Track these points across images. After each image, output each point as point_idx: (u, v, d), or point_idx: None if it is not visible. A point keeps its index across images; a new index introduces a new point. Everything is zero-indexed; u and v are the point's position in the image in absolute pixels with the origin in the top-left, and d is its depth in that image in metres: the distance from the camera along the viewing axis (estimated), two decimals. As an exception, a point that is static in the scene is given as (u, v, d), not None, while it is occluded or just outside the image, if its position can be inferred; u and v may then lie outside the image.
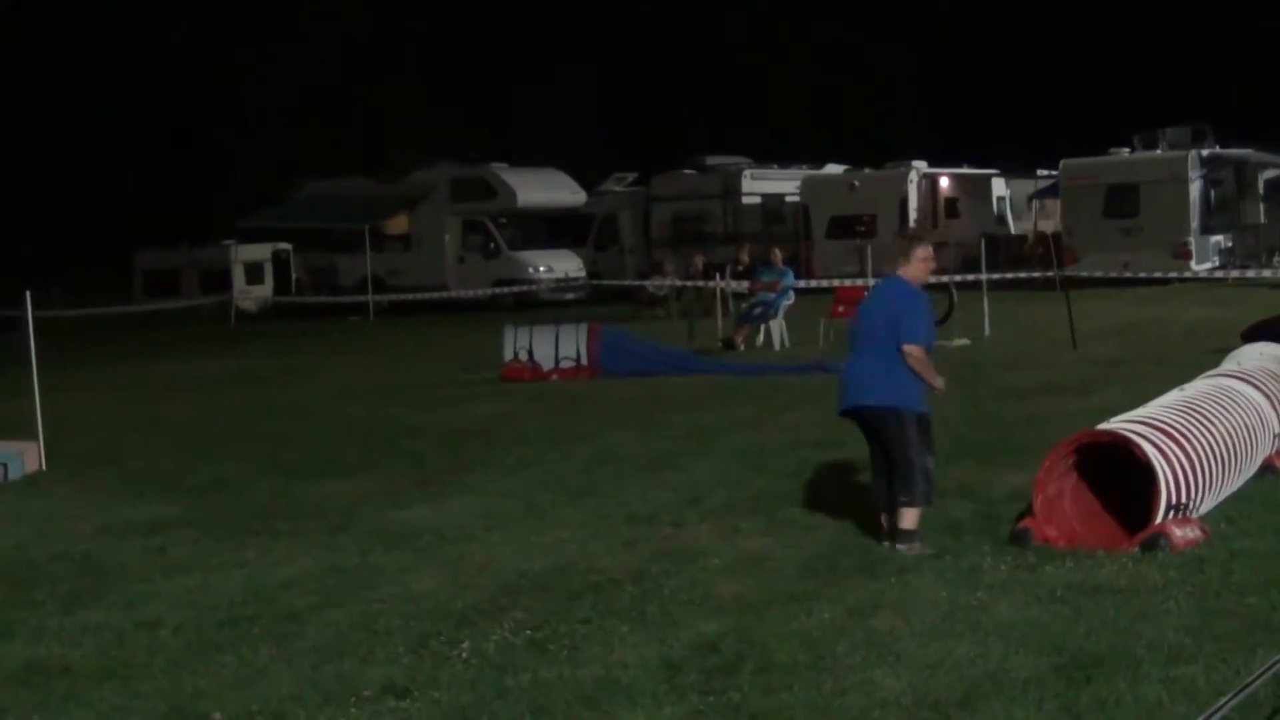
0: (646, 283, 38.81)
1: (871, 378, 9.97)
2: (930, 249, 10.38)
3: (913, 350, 9.87)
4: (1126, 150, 39.84)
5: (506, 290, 42.94)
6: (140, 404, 22.68)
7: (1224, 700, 5.40)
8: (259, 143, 68.59)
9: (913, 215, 43.23)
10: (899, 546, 9.67)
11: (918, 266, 10.24)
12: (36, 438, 16.21)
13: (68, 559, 11.25)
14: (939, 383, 10.07)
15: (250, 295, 48.92)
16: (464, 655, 8.03)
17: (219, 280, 48.67)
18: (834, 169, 46.98)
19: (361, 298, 43.69)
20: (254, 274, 50.02)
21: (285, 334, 38.08)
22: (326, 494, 13.44)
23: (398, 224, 46.86)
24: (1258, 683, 5.65)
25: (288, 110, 69.42)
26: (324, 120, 68.52)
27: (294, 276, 49.79)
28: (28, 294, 17.01)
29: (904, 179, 43.43)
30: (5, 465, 15.49)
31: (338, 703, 7.34)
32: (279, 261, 50.47)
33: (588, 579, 9.60)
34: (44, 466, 15.92)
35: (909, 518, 9.76)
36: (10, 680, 8.10)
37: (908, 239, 10.79)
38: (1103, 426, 10.17)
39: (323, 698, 7.44)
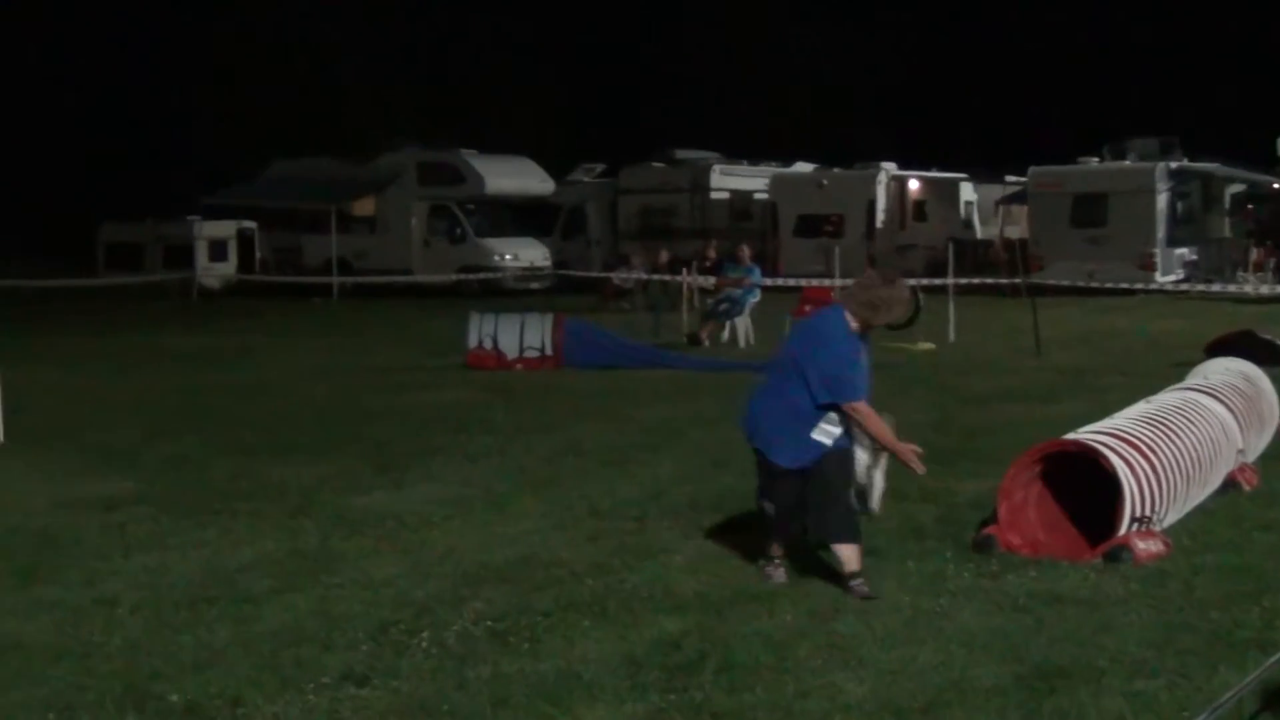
0: (612, 275, 38.79)
1: (778, 433, 9.07)
2: (893, 295, 8.92)
3: (859, 408, 8.92)
4: (1095, 160, 40.02)
5: (472, 277, 42.84)
6: (100, 378, 22.52)
7: None
8: (224, 118, 68.19)
9: (880, 216, 43.33)
10: (852, 585, 8.77)
11: (867, 311, 8.95)
12: (-8, 410, 16.09)
13: (24, 533, 11.14)
14: (917, 464, 9.06)
15: (213, 272, 48.66)
16: (424, 645, 7.97)
17: (182, 256, 48.36)
18: (803, 167, 47.08)
19: (326, 279, 43.52)
20: (218, 251, 49.74)
21: (248, 312, 37.90)
22: (287, 476, 13.35)
23: (364, 206, 46.71)
24: (1227, 704, 5.65)
25: (256, 85, 69.01)
26: (293, 97, 68.15)
27: (258, 255, 49.57)
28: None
29: (873, 180, 43.56)
30: (-40, 436, 15.36)
31: (296, 688, 7.28)
32: (243, 239, 50.24)
33: (549, 572, 9.55)
34: (1, 439, 15.79)
35: (851, 558, 8.92)
36: (-37, 655, 8.03)
37: (878, 275, 9.42)
38: (1069, 436, 10.18)
39: (281, 683, 7.37)
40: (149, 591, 9.32)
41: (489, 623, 8.37)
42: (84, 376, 22.73)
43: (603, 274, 40.10)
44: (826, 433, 8.97)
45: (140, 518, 11.61)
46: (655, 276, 33.98)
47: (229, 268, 49.45)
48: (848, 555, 8.91)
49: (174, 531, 11.09)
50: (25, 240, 49.85)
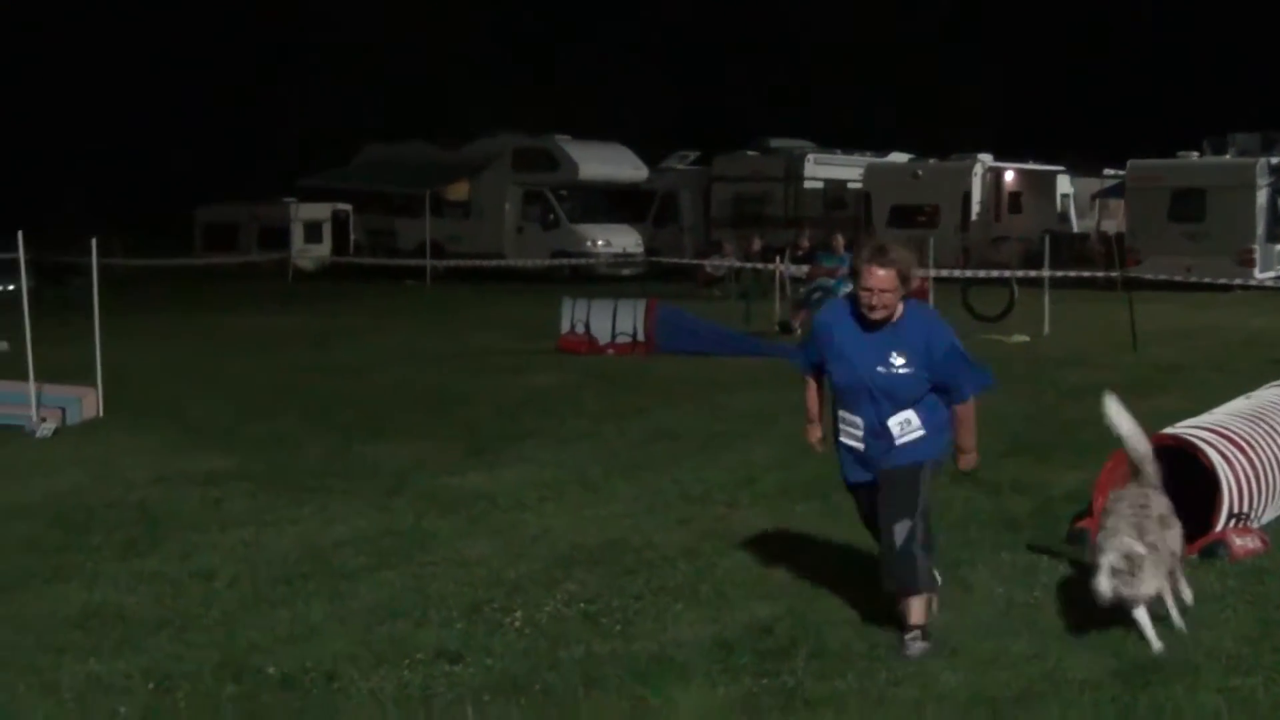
0: (705, 262, 38.76)
1: None
2: (876, 272, 7.55)
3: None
4: (1195, 154, 39.51)
5: (564, 262, 42.95)
6: (198, 356, 22.80)
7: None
8: (322, 102, 68.66)
9: (975, 208, 43.04)
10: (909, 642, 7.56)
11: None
12: (95, 384, 16.33)
13: (124, 506, 11.32)
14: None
15: (308, 254, 49.02)
16: (517, 624, 8.04)
17: (278, 237, 48.78)
18: (898, 157, 46.79)
19: (419, 262, 43.75)
20: (313, 233, 50.12)
21: (341, 294, 38.19)
22: (381, 455, 13.48)
23: (458, 191, 46.92)
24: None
25: (352, 70, 69.38)
26: (389, 82, 68.46)
27: (352, 238, 49.92)
28: (94, 241, 17.10)
29: (969, 171, 43.25)
30: (64, 410, 15.60)
31: (391, 663, 7.35)
32: (338, 222, 50.58)
33: (641, 555, 9.59)
34: (102, 413, 16.03)
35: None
36: (67, 624, 8.15)
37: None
38: (1167, 431, 10.08)
39: (376, 658, 7.45)
40: (245, 566, 9.44)
41: (581, 604, 8.42)
42: (182, 354, 23.01)
43: (695, 261, 40.08)
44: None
45: (237, 493, 11.77)
46: (747, 264, 33.94)
47: (323, 250, 49.79)
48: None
49: (270, 507, 11.23)
50: (125, 221, 50.32)
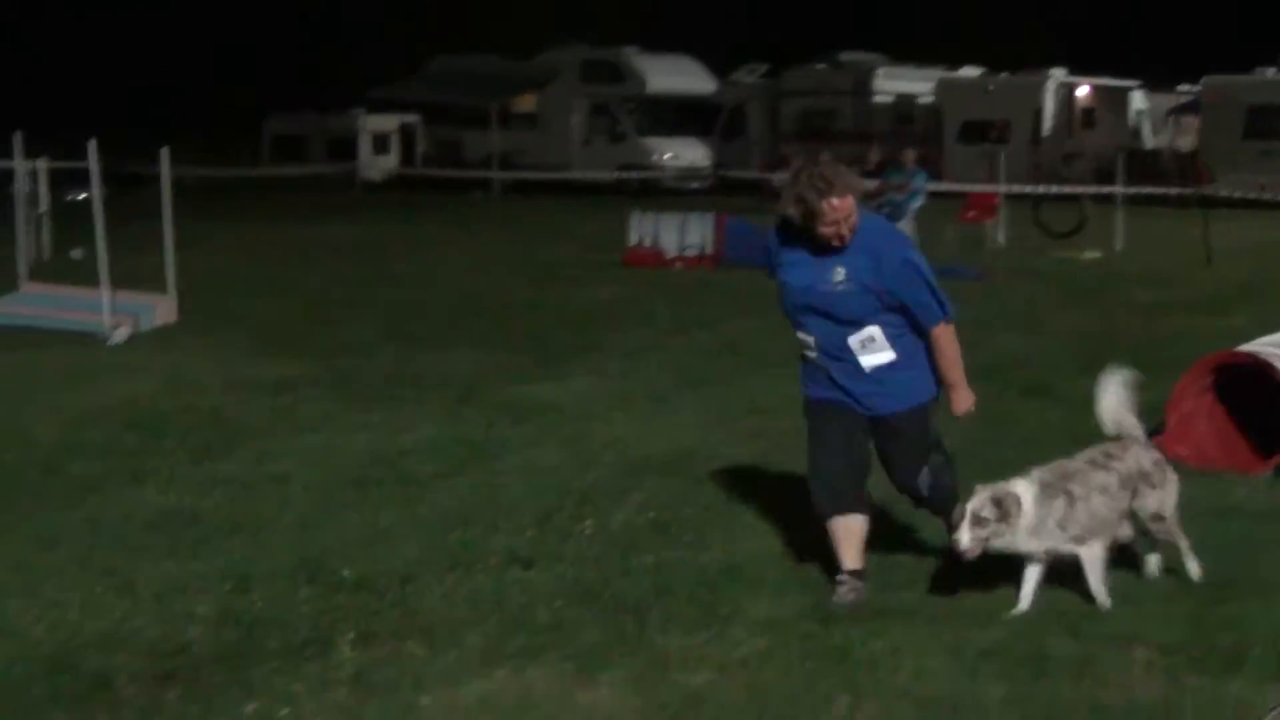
0: (772, 176, 38.55)
1: None
2: (834, 205, 6.86)
3: None
4: (1271, 70, 38.90)
5: (630, 175, 42.81)
6: (267, 265, 22.93)
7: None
8: (392, 13, 68.48)
9: (1047, 124, 42.58)
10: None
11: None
12: (169, 291, 16.47)
13: (197, 412, 11.43)
14: None
15: (376, 165, 49.08)
16: (587, 531, 8.09)
17: (345, 149, 48.85)
18: (970, 72, 46.26)
19: (486, 174, 43.73)
20: (380, 144, 50.18)
21: (408, 205, 38.25)
22: (450, 365, 13.55)
23: (525, 103, 46.81)
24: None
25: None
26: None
27: (420, 149, 49.93)
28: (165, 150, 17.18)
29: (1040, 86, 42.75)
30: (138, 316, 15.74)
31: (464, 568, 7.42)
32: (406, 133, 50.59)
33: (710, 466, 9.61)
34: (175, 320, 16.17)
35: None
36: (144, 526, 8.26)
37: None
38: (1242, 348, 10.00)
39: (449, 563, 7.51)
40: (318, 471, 9.53)
41: (651, 513, 8.45)
42: (252, 263, 23.14)
43: (761, 175, 39.88)
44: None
45: (308, 400, 11.87)
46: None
47: (391, 161, 49.85)
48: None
49: (341, 414, 11.32)
50: (194, 132, 50.47)
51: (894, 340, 7.11)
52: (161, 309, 16.30)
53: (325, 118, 50.70)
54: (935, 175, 35.91)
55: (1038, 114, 42.49)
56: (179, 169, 17.53)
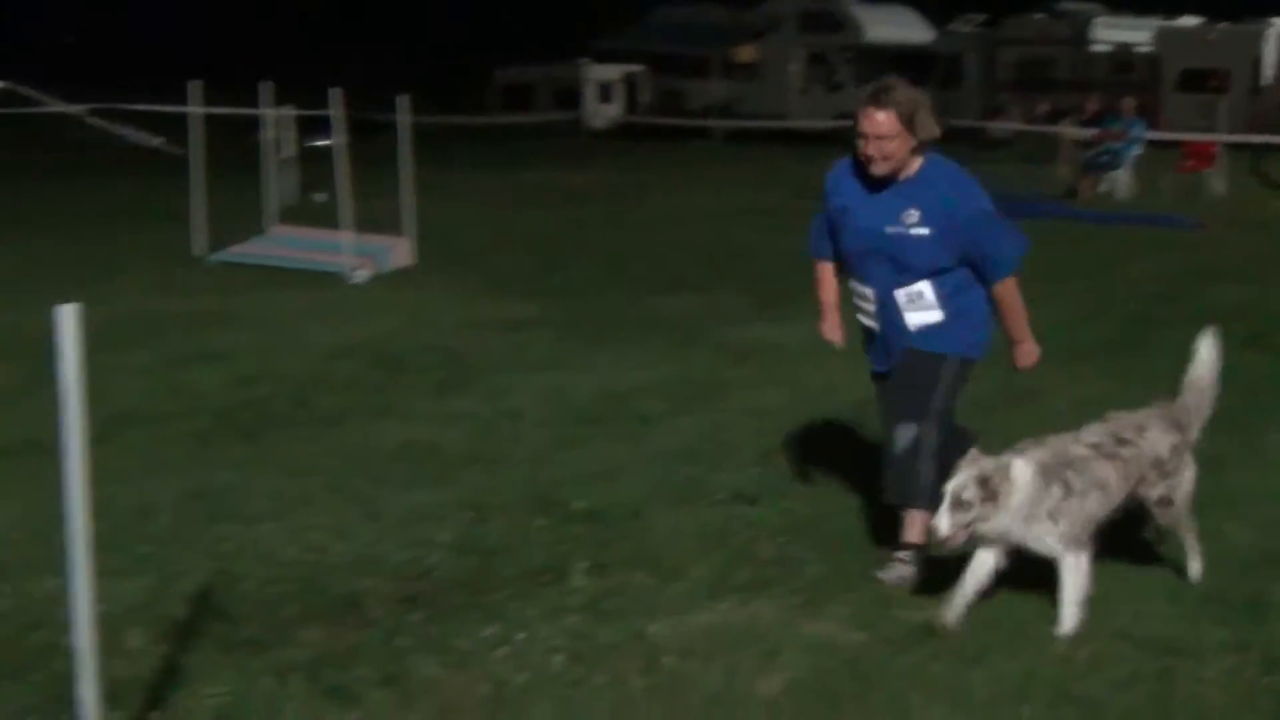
0: (988, 124, 37.89)
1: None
2: (874, 116, 6.26)
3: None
4: None
5: (847, 124, 42.25)
6: (499, 209, 23.21)
7: None
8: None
9: (1267, 73, 41.18)
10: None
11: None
12: (406, 234, 16.77)
13: (435, 349, 11.65)
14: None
15: (600, 113, 49.34)
16: (809, 471, 8.08)
17: (571, 98, 49.17)
18: (1189, 20, 44.89)
19: (707, 123, 43.68)
20: (605, 93, 50.40)
21: (632, 153, 38.38)
22: (673, 307, 13.61)
23: (746, 53, 46.60)
24: None
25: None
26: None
27: (642, 98, 50.05)
28: (403, 99, 17.46)
29: (1260, 35, 41.33)
30: (377, 258, 16.07)
31: (690, 503, 7.48)
32: (629, 83, 50.74)
33: (930, 409, 9.50)
34: (412, 262, 16.47)
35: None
36: (388, 457, 8.47)
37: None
38: None
39: (676, 497, 7.58)
40: (550, 407, 9.66)
41: (870, 456, 8.39)
42: (484, 208, 23.45)
43: (978, 124, 39.20)
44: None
45: (540, 339, 12.03)
46: (1031, 128, 33.08)
47: (615, 110, 50.07)
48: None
49: (571, 353, 11.45)
50: (428, 81, 51.21)
51: (949, 295, 6.40)
52: (399, 251, 16.61)
53: (552, 68, 51.05)
54: (1153, 124, 35.02)
55: (1256, 63, 41.10)
56: (415, 117, 17.79)
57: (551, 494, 7.61)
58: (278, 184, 19.43)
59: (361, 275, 15.47)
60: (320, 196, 21.12)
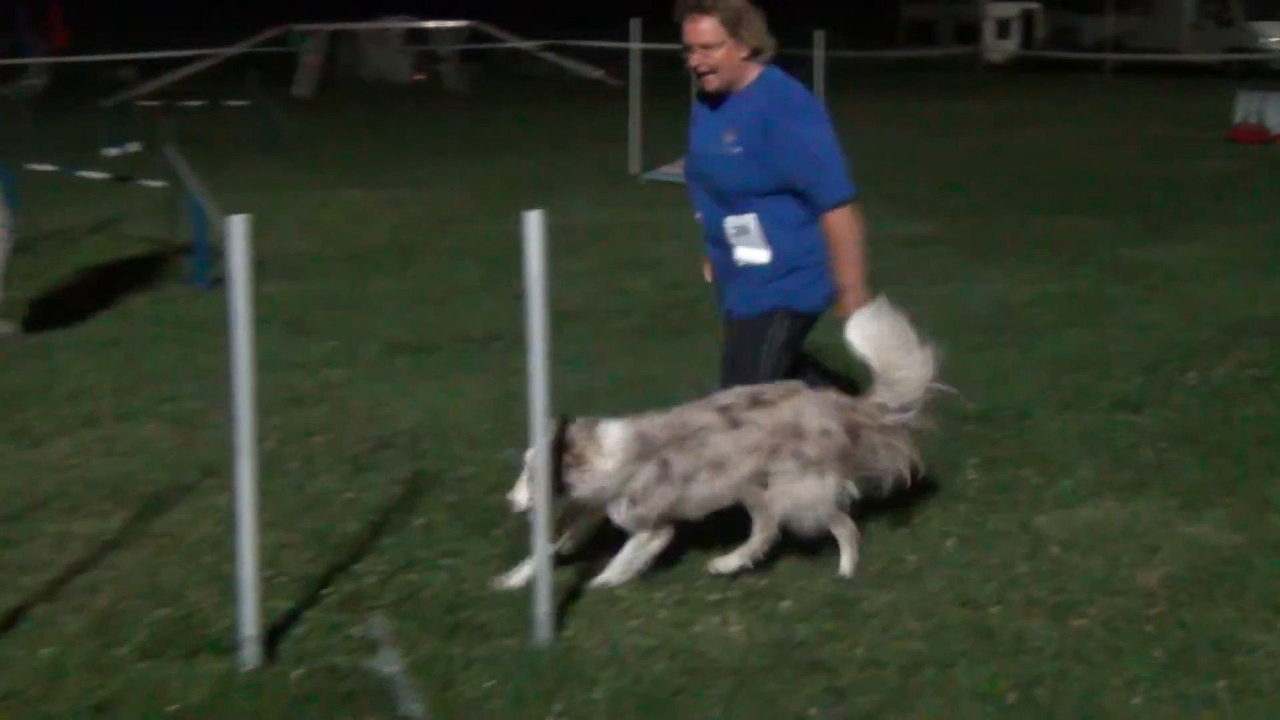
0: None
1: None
2: (695, 26, 5.43)
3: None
4: None
5: (1237, 57, 40.04)
6: (900, 137, 22.90)
7: None
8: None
9: None
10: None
11: None
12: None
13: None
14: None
15: (998, 48, 48.02)
16: (1192, 383, 7.78)
17: (970, 33, 48.05)
18: None
19: (1098, 56, 41.97)
20: (1002, 29, 49.01)
21: (1027, 85, 37.19)
22: (1063, 228, 13.21)
23: (1140, -11, 44.48)
24: None
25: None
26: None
27: (1038, 33, 48.48)
28: (819, 33, 17.38)
29: None
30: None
31: (1076, 408, 7.31)
32: (1026, 18, 49.21)
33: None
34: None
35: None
36: (798, 354, 8.53)
37: None
38: None
39: (1062, 403, 7.42)
40: (947, 316, 9.46)
41: (1253, 369, 8.04)
42: (886, 135, 23.14)
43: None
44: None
45: (937, 255, 11.89)
46: None
47: (1011, 45, 48.62)
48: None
49: (965, 268, 11.28)
50: (838, 17, 50.79)
51: (778, 233, 5.47)
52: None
53: (954, 4, 49.94)
54: None
55: None
56: (828, 52, 17.68)
57: (947, 395, 7.53)
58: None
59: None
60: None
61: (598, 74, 34.53)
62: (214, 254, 10.43)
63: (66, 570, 5.31)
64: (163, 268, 11.09)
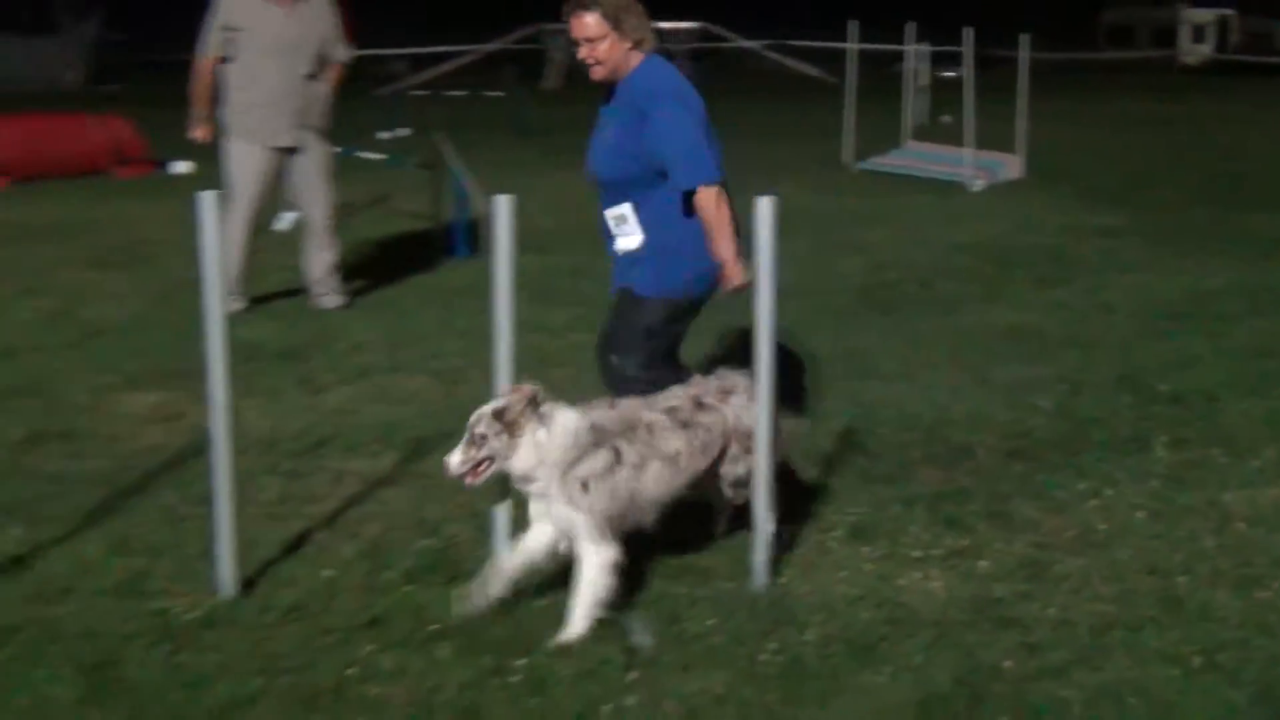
0: None
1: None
2: (579, 20, 5.21)
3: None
4: None
5: None
6: (1097, 134, 22.24)
7: None
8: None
9: None
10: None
11: None
12: (1018, 152, 16.37)
13: (1038, 249, 11.36)
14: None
15: (1194, 52, 46.20)
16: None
17: (1167, 37, 46.35)
18: None
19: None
20: (1198, 34, 47.13)
21: (1221, 88, 35.68)
22: (1255, 223, 12.65)
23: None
24: None
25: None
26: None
27: (1233, 38, 46.47)
28: (1025, 36, 16.95)
29: None
30: (992, 170, 15.77)
31: (1263, 394, 6.98)
32: (1221, 24, 47.22)
33: None
34: (1021, 176, 16.08)
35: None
36: (998, 336, 8.33)
37: None
38: None
39: (1249, 387, 7.11)
40: (1138, 303, 9.26)
41: None
42: (1085, 132, 22.48)
43: None
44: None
45: (1130, 246, 11.50)
46: None
47: (1207, 49, 46.73)
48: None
49: (1158, 259, 10.90)
50: (1038, 22, 49.34)
51: (647, 226, 5.21)
52: (1011, 166, 16.23)
53: (1152, 9, 48.20)
54: None
55: None
56: (1032, 54, 17.21)
57: (1138, 376, 7.32)
58: (913, 107, 19.32)
59: (979, 185, 15.23)
60: (946, 119, 20.86)
61: (814, 72, 34.25)
62: (473, 229, 10.68)
63: (344, 502, 5.51)
64: (428, 240, 11.36)
